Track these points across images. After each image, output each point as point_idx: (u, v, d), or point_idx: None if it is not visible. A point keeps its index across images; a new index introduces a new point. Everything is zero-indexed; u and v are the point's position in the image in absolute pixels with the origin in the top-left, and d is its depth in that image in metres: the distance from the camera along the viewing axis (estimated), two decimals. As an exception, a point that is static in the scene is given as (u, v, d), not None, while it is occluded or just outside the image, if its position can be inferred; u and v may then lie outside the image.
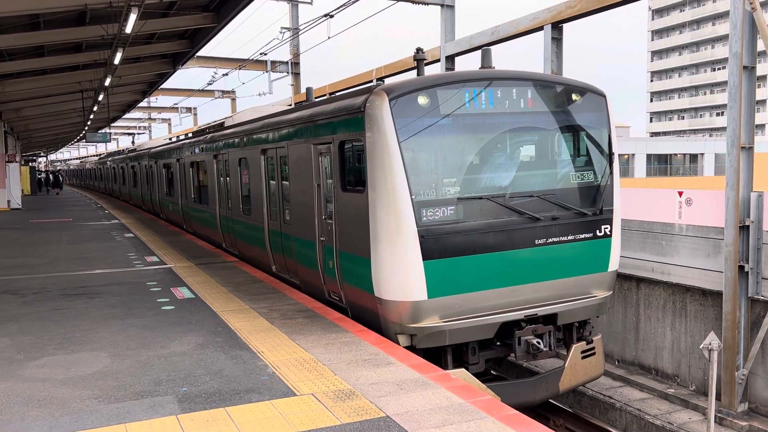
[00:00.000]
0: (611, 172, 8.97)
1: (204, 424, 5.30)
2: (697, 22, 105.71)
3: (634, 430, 10.60)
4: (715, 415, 9.57)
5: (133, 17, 15.20)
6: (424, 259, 7.62)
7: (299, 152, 10.22)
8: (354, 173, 8.56)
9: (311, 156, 9.72)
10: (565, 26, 13.78)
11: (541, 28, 13.81)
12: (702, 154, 57.47)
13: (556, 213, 8.47)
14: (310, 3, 27.48)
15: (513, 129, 8.42)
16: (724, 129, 31.78)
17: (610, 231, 8.95)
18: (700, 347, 8.64)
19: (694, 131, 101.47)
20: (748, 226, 10.37)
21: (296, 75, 31.93)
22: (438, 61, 17.61)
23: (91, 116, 39.23)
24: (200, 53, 27.61)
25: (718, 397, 10.44)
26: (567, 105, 8.79)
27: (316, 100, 11.55)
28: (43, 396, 6.05)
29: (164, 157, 23.86)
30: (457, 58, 17.11)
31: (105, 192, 52.04)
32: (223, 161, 15.37)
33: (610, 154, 8.97)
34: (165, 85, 36.43)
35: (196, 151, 18.30)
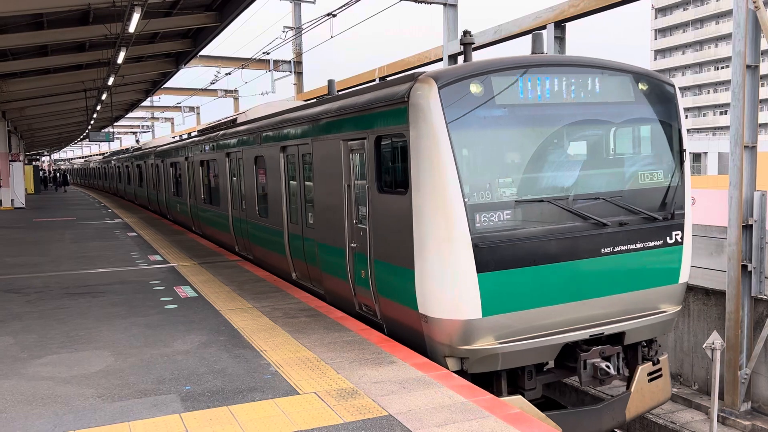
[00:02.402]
0: (682, 171, 8.05)
1: (207, 423, 5.31)
2: (701, 21, 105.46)
3: (637, 429, 10.60)
4: (718, 414, 9.56)
5: (136, 16, 15.24)
6: (478, 271, 6.71)
7: (326, 149, 9.29)
8: (393, 173, 7.71)
9: (340, 153, 8.82)
10: (568, 25, 13.77)
11: (544, 27, 13.79)
12: (705, 153, 57.39)
13: (623, 218, 7.55)
14: (313, 2, 27.49)
15: (576, 122, 7.49)
16: (727, 128, 31.71)
17: (682, 238, 7.96)
18: (703, 346, 8.63)
19: (698, 130, 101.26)
20: (751, 226, 10.37)
21: (299, 74, 31.94)
22: (441, 60, 17.61)
23: (95, 115, 39.33)
24: (203, 52, 27.68)
25: (721, 397, 10.44)
26: (635, 96, 7.85)
27: (341, 92, 10.60)
28: (47, 394, 6.07)
29: (171, 155, 22.93)
30: (460, 57, 17.11)
31: (110, 191, 51.53)
32: (237, 159, 14.46)
33: (681, 151, 8.08)
34: (168, 85, 36.52)
35: (207, 148, 17.34)
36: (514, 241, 6.91)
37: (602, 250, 7.39)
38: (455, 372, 6.77)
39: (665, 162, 8.02)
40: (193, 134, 21.85)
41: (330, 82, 11.91)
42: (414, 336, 7.37)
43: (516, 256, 6.90)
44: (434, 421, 5.22)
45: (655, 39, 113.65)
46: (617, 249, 7.49)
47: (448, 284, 6.81)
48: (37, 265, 14.05)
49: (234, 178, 14.83)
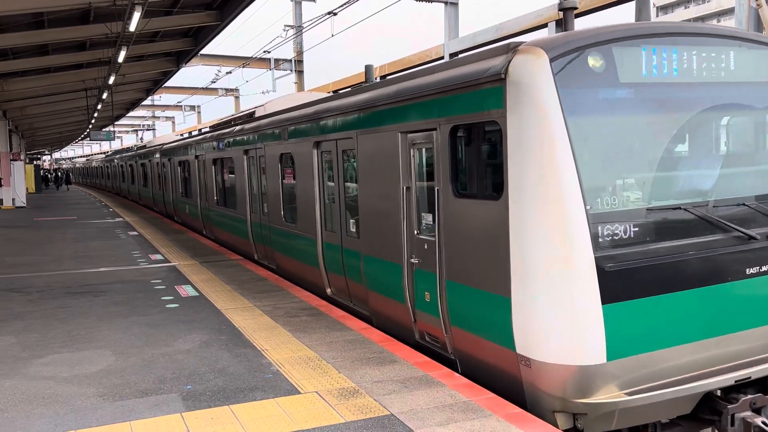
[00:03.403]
0: None
1: (208, 422, 5.30)
2: (702, 19, 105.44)
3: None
4: None
5: (136, 15, 15.24)
6: (603, 301, 5.24)
7: (376, 144, 7.92)
8: (479, 172, 6.22)
9: (397, 149, 7.42)
10: (570, 23, 13.74)
11: (545, 25, 13.78)
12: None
13: None
14: (314, 1, 27.49)
15: (716, 106, 6.01)
16: (728, 126, 31.62)
17: None
18: None
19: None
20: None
21: (300, 73, 31.94)
22: (441, 58, 17.60)
23: (95, 114, 39.35)
24: (204, 51, 27.69)
25: None
26: None
27: (362, 84, 9.42)
28: (48, 394, 6.06)
29: (180, 153, 21.49)
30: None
31: (112, 191, 50.90)
32: (257, 157, 13.06)
33: None
34: (169, 83, 36.55)
35: (220, 146, 15.83)
36: (648, 260, 5.43)
37: (748, 270, 5.89)
38: None
39: None
40: (204, 130, 20.50)
41: (368, 68, 10.53)
42: (506, 381, 5.91)
43: (650, 280, 5.44)
44: (436, 421, 5.20)
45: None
46: (765, 269, 5.97)
47: (562, 318, 5.30)
48: (39, 264, 14.05)
49: (253, 178, 13.55)
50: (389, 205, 7.71)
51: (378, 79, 17.62)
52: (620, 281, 5.32)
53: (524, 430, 4.98)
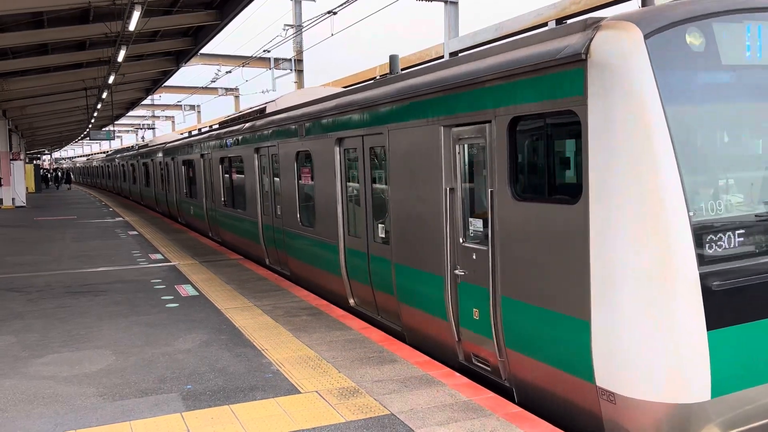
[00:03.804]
0: None
1: (209, 422, 5.30)
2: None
3: None
4: None
5: (136, 15, 15.23)
6: (709, 326, 4.43)
7: (411, 140, 7.14)
8: (548, 171, 5.37)
9: (438, 145, 6.62)
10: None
11: (545, 24, 13.78)
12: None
13: None
14: (314, 0, 27.47)
15: None
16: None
17: None
18: None
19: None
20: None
21: (300, 72, 31.94)
22: (441, 57, 17.59)
23: (95, 114, 39.35)
24: (203, 51, 27.68)
25: None
26: None
27: (373, 80, 8.75)
28: (48, 393, 6.06)
29: (184, 152, 20.74)
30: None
31: (113, 191, 50.45)
32: (270, 156, 12.28)
33: None
34: (168, 83, 36.55)
35: (229, 144, 15.00)
36: (760, 278, 4.63)
37: None
38: None
39: None
40: (213, 127, 19.54)
41: (393, 58, 9.54)
42: (581, 417, 5.09)
43: (761, 301, 4.66)
44: (436, 420, 5.20)
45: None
46: None
47: (658, 347, 4.45)
48: (39, 264, 14.05)
49: (265, 178, 12.76)
50: (428, 208, 6.90)
51: (378, 78, 17.15)
52: (728, 302, 4.49)
53: (525, 430, 4.97)
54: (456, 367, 6.66)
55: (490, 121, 5.83)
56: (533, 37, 5.51)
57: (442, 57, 17.27)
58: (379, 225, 8.19)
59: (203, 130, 20.49)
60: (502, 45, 5.99)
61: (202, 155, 18.14)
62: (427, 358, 6.80)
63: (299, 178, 10.85)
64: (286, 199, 11.44)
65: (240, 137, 14.02)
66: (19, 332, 8.31)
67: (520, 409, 5.37)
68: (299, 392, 5.91)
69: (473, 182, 6.41)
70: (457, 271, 6.49)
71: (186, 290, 10.69)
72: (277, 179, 11.96)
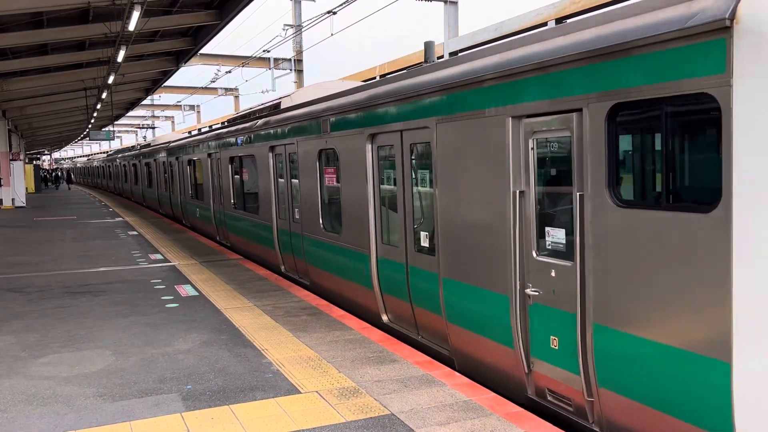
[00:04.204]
0: None
1: (209, 422, 5.29)
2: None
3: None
4: None
5: (136, 15, 15.23)
6: None
7: (469, 134, 6.13)
8: (666, 170, 4.32)
9: (505, 139, 5.62)
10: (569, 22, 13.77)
11: (545, 24, 13.77)
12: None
13: None
14: (313, 0, 27.48)
15: None
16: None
17: None
18: None
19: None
20: None
21: (299, 72, 31.95)
22: (442, 57, 17.59)
23: (95, 114, 39.34)
24: (203, 51, 27.68)
25: None
26: None
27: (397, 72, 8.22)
28: (48, 394, 6.05)
29: (190, 151, 19.86)
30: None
31: (114, 192, 49.81)
32: (287, 155, 11.43)
33: None
34: (168, 83, 36.57)
35: (239, 142, 14.14)
36: None
37: None
38: None
39: None
40: (222, 124, 18.67)
41: (428, 45, 8.55)
42: None
43: None
44: (436, 420, 5.19)
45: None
46: None
47: None
48: (38, 264, 14.04)
49: (281, 179, 11.84)
50: (488, 214, 5.92)
51: (378, 78, 16.18)
52: None
53: (525, 429, 4.96)
54: (524, 402, 5.76)
55: (580, 110, 4.86)
56: (634, 7, 4.49)
57: (443, 56, 17.27)
58: (422, 233, 7.23)
59: (214, 127, 19.59)
60: (592, 18, 4.92)
61: (209, 154, 17.31)
62: (427, 357, 6.79)
63: (322, 179, 9.94)
64: (306, 202, 10.50)
65: (252, 135, 13.16)
66: (19, 332, 8.31)
67: (521, 409, 5.37)
68: (299, 392, 5.91)
69: (552, 184, 5.38)
70: (528, 290, 5.52)
71: (186, 290, 10.68)
72: (295, 180, 11.10)
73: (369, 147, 8.22)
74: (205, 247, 15.98)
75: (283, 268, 12.08)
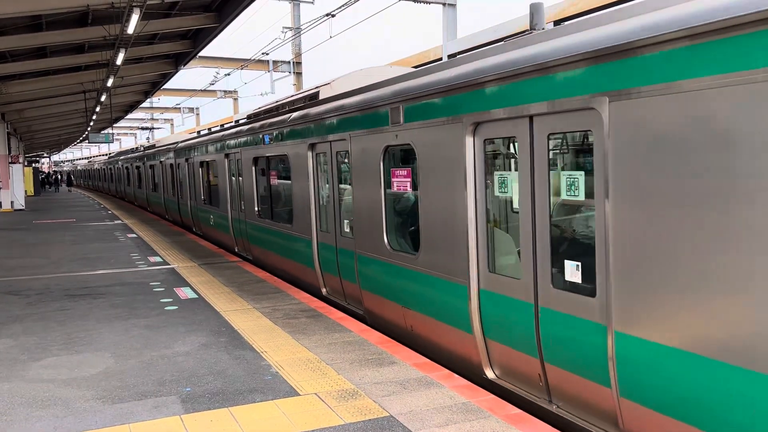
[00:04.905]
0: None
1: (208, 424, 5.29)
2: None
3: None
4: None
5: (135, 18, 15.24)
6: None
7: (674, 118, 3.91)
8: None
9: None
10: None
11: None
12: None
13: None
14: (312, 2, 27.51)
15: None
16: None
17: None
18: None
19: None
20: None
21: (298, 74, 31.98)
22: (440, 59, 17.62)
23: (94, 117, 39.36)
24: (202, 53, 27.73)
25: None
26: None
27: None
28: (47, 397, 6.05)
29: (202, 152, 17.89)
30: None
31: (116, 196, 48.52)
32: (333, 153, 9.41)
33: None
34: (167, 86, 36.59)
35: (267, 140, 12.08)
36: None
37: None
38: None
39: None
40: (241, 121, 16.52)
41: (535, 6, 6.13)
42: None
43: None
44: (435, 422, 5.20)
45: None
46: None
47: None
48: (38, 266, 14.04)
49: (325, 184, 9.92)
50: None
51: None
52: None
53: (524, 431, 4.97)
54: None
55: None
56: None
57: (441, 59, 17.30)
58: (568, 261, 5.09)
59: (231, 124, 18.38)
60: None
61: (226, 155, 15.22)
62: (426, 359, 6.79)
63: (388, 185, 7.90)
64: (363, 212, 8.44)
65: (285, 131, 11.07)
66: (18, 335, 8.31)
67: (520, 411, 5.37)
68: (298, 394, 5.91)
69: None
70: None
71: (185, 293, 10.68)
72: (345, 185, 9.17)
73: (469, 141, 6.08)
74: (204, 250, 15.98)
75: (324, 290, 10.22)
